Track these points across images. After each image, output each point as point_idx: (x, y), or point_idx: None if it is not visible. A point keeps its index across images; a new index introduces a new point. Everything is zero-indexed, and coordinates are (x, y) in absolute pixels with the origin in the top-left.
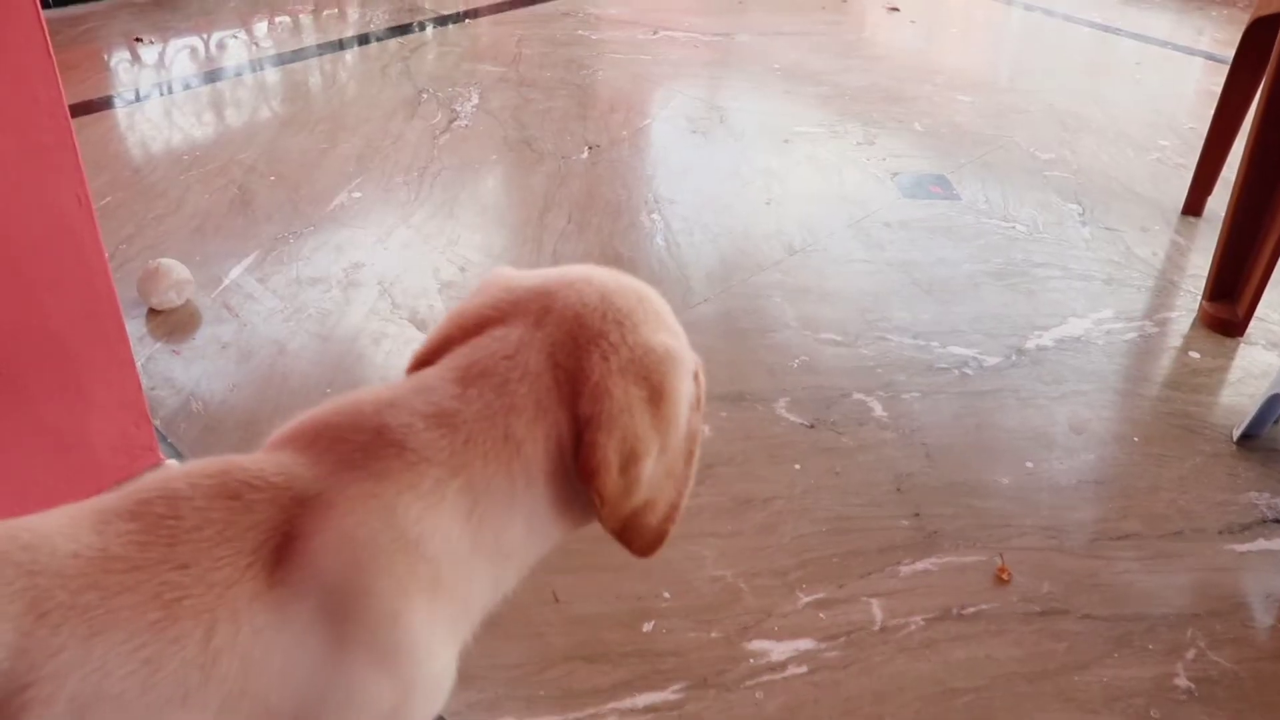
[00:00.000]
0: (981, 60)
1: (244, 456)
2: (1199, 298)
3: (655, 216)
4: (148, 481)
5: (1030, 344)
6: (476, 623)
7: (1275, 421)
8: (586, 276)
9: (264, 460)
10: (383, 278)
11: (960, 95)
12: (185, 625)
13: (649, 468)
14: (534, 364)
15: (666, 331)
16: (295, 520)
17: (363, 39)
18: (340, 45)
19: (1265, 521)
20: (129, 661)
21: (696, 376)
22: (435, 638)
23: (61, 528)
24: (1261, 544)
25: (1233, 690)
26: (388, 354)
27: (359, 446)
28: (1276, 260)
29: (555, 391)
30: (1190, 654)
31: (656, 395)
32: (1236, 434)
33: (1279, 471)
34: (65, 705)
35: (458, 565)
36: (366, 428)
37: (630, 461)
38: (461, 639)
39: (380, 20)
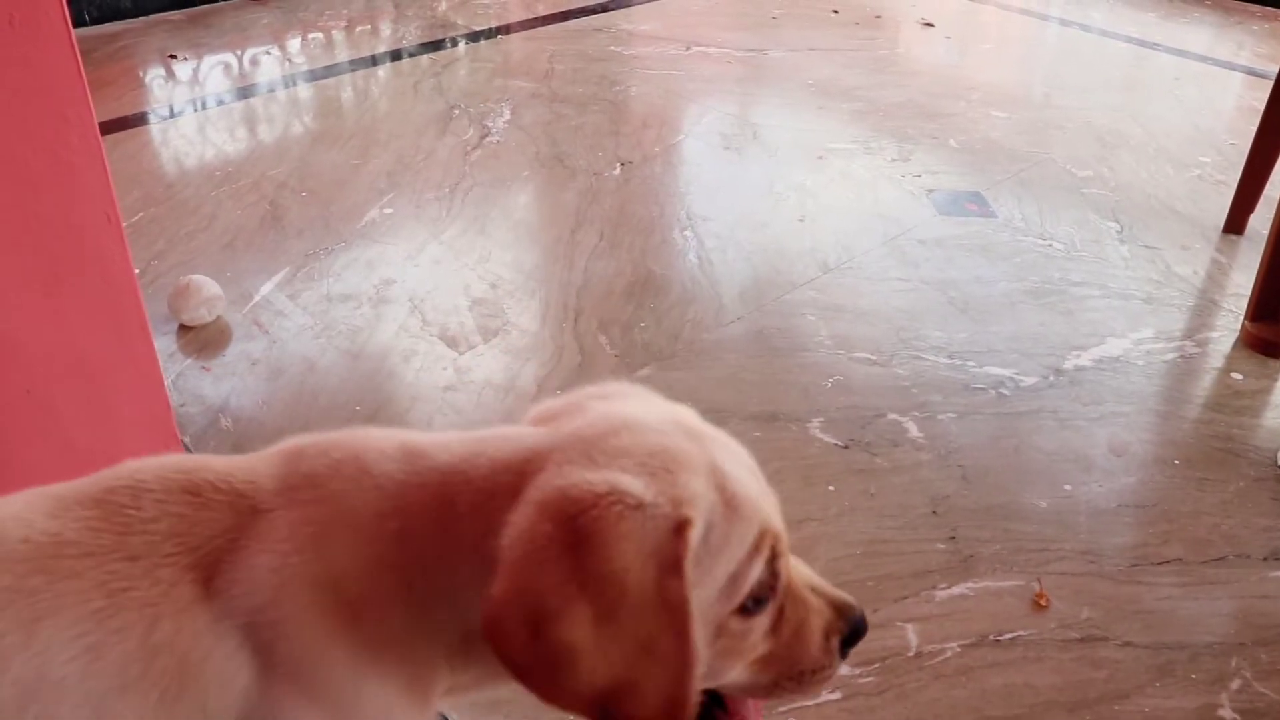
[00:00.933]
0: (1017, 76)
1: (222, 457)
2: (1241, 318)
3: (688, 234)
4: (117, 470)
5: (1068, 364)
6: (427, 686)
7: None
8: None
9: (238, 463)
10: (413, 294)
11: (996, 111)
12: (128, 616)
13: (585, 636)
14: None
15: (645, 471)
16: (245, 529)
17: (395, 55)
18: (373, 61)
19: None
20: (71, 647)
21: (682, 529)
22: (364, 679)
23: (17, 513)
24: None
25: None
26: (418, 371)
27: (329, 464)
28: None
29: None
30: (1235, 684)
31: (578, 541)
32: None
33: None
34: (9, 689)
35: (388, 614)
36: (346, 448)
37: (543, 621)
38: (411, 689)
39: (412, 36)
